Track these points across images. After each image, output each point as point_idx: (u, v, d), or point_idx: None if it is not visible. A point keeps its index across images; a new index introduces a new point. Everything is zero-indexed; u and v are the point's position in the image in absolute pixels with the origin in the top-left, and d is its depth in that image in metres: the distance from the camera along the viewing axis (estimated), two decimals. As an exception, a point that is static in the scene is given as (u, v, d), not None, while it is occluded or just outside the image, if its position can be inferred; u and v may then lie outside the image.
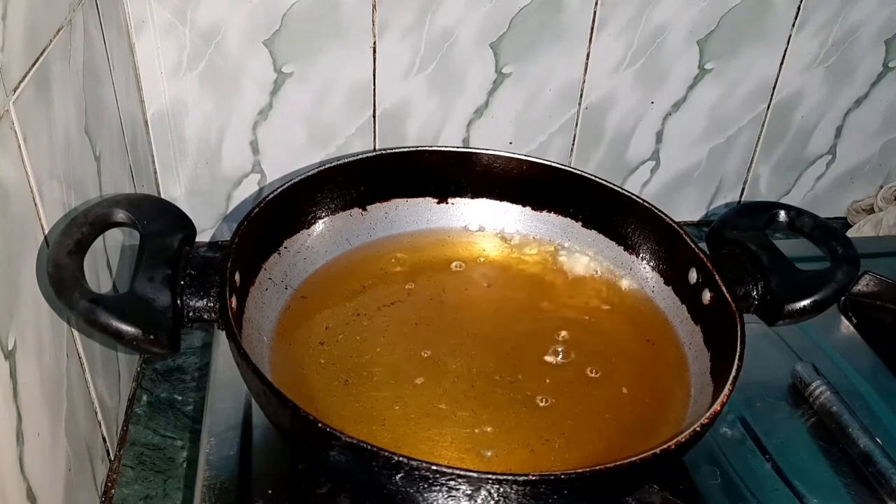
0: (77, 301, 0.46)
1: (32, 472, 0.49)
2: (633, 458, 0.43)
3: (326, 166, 0.62)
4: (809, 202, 0.99)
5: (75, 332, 0.57)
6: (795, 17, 0.85)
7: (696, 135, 0.92)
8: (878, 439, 0.56)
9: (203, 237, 0.88)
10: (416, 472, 0.42)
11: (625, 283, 0.64)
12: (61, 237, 0.48)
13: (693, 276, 0.58)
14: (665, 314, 0.61)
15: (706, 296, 0.57)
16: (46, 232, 0.52)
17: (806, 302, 0.56)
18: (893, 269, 0.70)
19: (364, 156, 0.63)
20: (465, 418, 0.53)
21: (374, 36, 0.79)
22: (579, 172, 0.64)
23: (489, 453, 0.51)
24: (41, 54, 0.52)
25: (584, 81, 0.85)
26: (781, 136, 0.94)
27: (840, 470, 0.57)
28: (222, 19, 0.76)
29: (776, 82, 0.89)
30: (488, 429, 0.52)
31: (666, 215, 0.61)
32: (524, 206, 0.67)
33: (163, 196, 0.85)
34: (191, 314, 0.50)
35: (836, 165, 0.98)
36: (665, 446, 0.44)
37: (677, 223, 0.60)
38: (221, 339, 0.61)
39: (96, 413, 0.62)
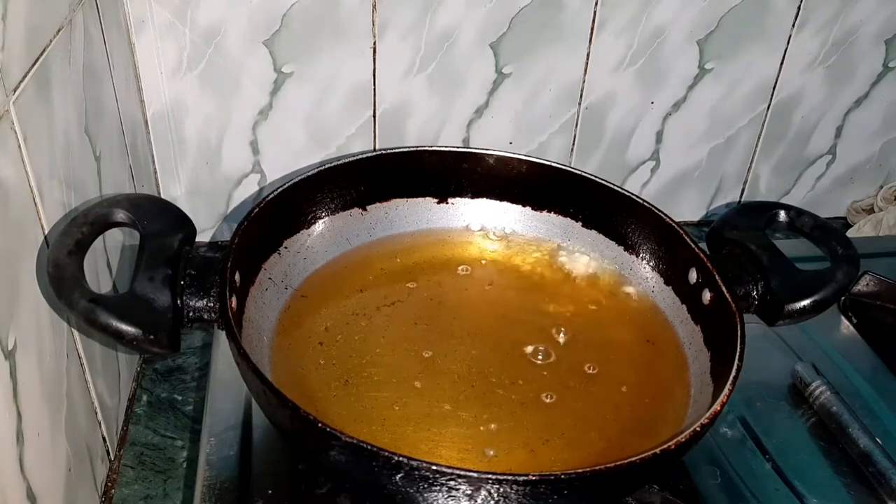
0: (77, 301, 0.46)
1: (32, 472, 0.49)
2: (633, 458, 0.43)
3: (326, 166, 0.62)
4: (809, 202, 0.99)
5: (75, 332, 0.57)
6: (795, 17, 0.85)
7: (696, 135, 0.92)
8: (878, 439, 0.56)
9: (203, 237, 0.88)
10: (416, 472, 0.42)
11: (625, 284, 0.64)
12: (61, 237, 0.48)
13: (693, 276, 0.58)
14: (665, 314, 0.61)
15: (706, 296, 0.57)
16: (46, 232, 0.52)
17: (806, 302, 0.56)
18: (893, 269, 0.70)
19: (364, 156, 0.63)
20: (465, 418, 0.53)
21: (374, 36, 0.79)
22: (579, 172, 0.64)
23: (489, 453, 0.51)
24: (41, 54, 0.52)
25: (584, 81, 0.85)
26: (781, 136, 0.94)
27: (840, 470, 0.57)
28: (222, 19, 0.76)
29: (776, 82, 0.89)
30: (488, 428, 0.52)
31: (666, 215, 0.61)
32: (524, 206, 0.67)
33: (163, 196, 0.85)
34: (191, 314, 0.50)
35: (836, 165, 0.98)
36: (665, 446, 0.44)
37: (677, 223, 0.60)
38: (221, 339, 0.61)
39: (96, 413, 0.62)
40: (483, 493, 0.42)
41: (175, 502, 0.65)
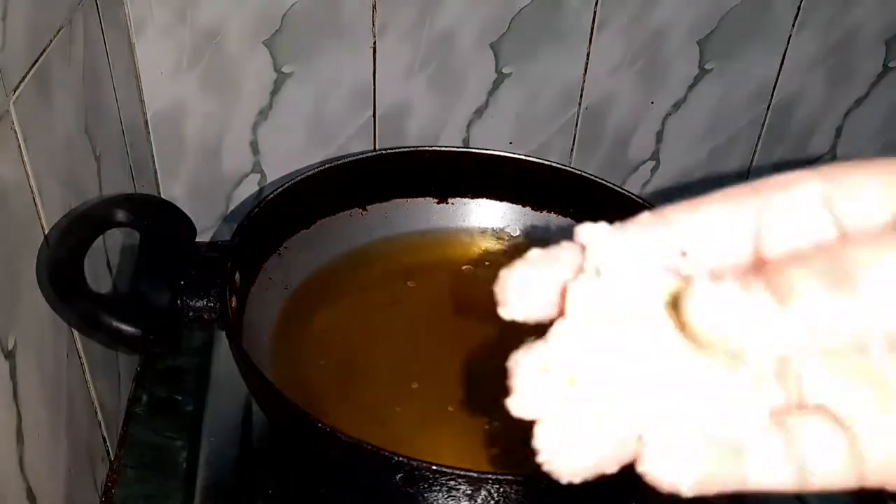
0: (77, 301, 0.46)
1: (32, 472, 0.49)
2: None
3: (326, 166, 0.62)
4: (809, 202, 0.99)
5: (75, 332, 0.57)
6: (795, 18, 0.85)
7: (697, 135, 0.92)
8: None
9: (203, 237, 0.88)
10: (416, 472, 0.42)
11: (625, 283, 0.64)
12: (61, 237, 0.48)
13: (693, 276, 0.58)
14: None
15: (706, 296, 0.57)
16: (46, 232, 0.52)
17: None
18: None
19: (364, 156, 0.63)
20: (465, 418, 0.53)
21: (374, 36, 0.79)
22: (579, 172, 0.64)
23: (489, 453, 0.51)
24: (41, 54, 0.52)
25: (584, 81, 0.85)
26: (781, 136, 0.94)
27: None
28: (222, 19, 0.76)
29: (776, 82, 0.89)
30: (488, 429, 0.52)
31: (666, 215, 0.61)
32: (524, 206, 0.67)
33: (163, 196, 0.85)
34: (191, 314, 0.50)
35: (837, 165, 0.98)
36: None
37: (677, 223, 0.60)
38: (221, 339, 0.61)
39: (96, 413, 0.62)
40: (483, 493, 0.42)
41: (175, 502, 0.65)
